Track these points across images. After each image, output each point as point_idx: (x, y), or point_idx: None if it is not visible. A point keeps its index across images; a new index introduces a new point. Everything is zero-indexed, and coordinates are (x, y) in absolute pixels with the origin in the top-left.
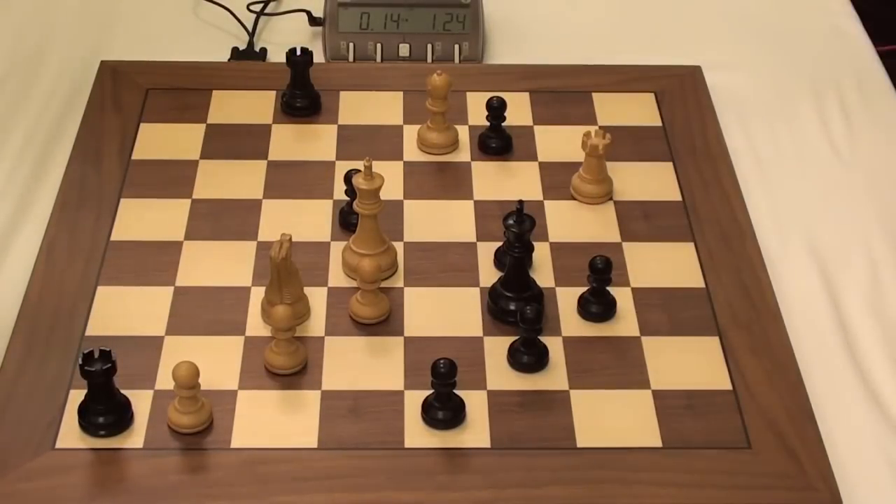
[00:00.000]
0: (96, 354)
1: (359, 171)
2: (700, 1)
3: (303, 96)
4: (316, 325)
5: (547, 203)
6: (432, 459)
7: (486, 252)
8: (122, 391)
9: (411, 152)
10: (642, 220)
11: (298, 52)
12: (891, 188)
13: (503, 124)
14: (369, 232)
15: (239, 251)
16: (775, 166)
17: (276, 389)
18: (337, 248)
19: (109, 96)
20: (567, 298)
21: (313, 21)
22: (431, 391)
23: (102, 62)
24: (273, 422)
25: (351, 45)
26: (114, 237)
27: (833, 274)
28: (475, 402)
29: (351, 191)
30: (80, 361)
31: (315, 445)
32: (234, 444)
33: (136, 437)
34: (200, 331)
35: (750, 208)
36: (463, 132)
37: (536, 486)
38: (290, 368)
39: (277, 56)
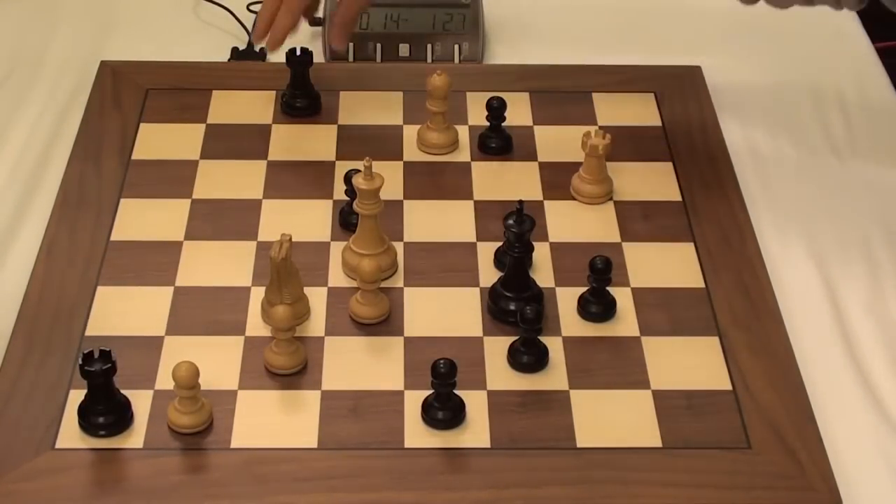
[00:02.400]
0: (96, 354)
1: (359, 171)
2: (700, 1)
3: (303, 96)
4: (316, 325)
5: (547, 203)
6: (432, 459)
7: (486, 252)
8: (122, 391)
9: (411, 152)
10: (642, 220)
11: (298, 52)
12: (891, 188)
13: (503, 124)
14: (369, 232)
15: (239, 251)
16: (775, 166)
17: (276, 389)
18: (337, 248)
19: (109, 96)
20: (567, 298)
21: (313, 21)
22: (431, 391)
23: (102, 62)
24: (273, 422)
25: (351, 45)
26: (114, 237)
27: (833, 274)
28: (475, 402)
29: (351, 191)
30: (80, 361)
31: (315, 445)
32: (234, 444)
33: (136, 437)
34: (200, 331)
35: (750, 208)
36: (463, 132)
37: (536, 486)
38: (290, 368)
39: (277, 56)
